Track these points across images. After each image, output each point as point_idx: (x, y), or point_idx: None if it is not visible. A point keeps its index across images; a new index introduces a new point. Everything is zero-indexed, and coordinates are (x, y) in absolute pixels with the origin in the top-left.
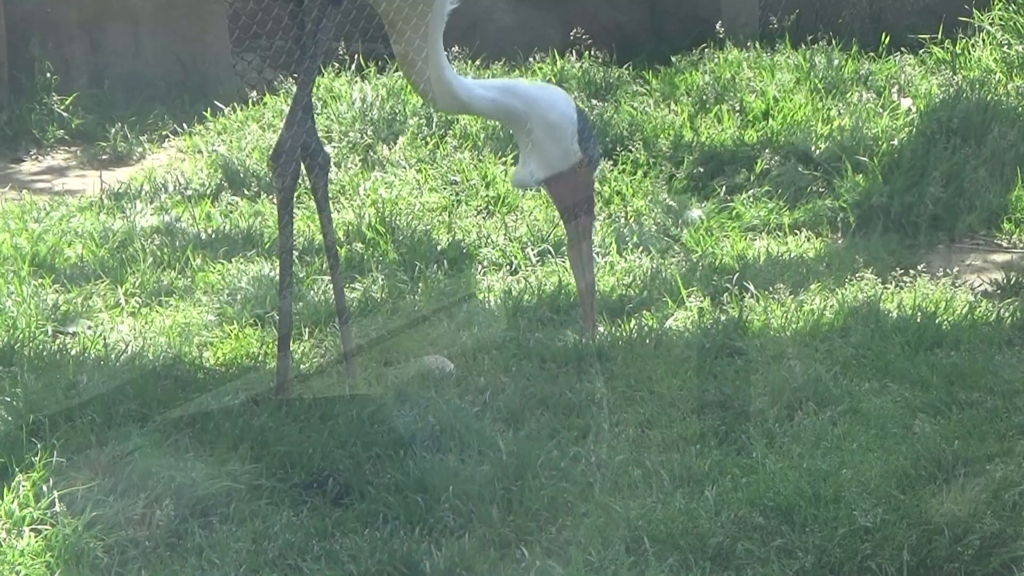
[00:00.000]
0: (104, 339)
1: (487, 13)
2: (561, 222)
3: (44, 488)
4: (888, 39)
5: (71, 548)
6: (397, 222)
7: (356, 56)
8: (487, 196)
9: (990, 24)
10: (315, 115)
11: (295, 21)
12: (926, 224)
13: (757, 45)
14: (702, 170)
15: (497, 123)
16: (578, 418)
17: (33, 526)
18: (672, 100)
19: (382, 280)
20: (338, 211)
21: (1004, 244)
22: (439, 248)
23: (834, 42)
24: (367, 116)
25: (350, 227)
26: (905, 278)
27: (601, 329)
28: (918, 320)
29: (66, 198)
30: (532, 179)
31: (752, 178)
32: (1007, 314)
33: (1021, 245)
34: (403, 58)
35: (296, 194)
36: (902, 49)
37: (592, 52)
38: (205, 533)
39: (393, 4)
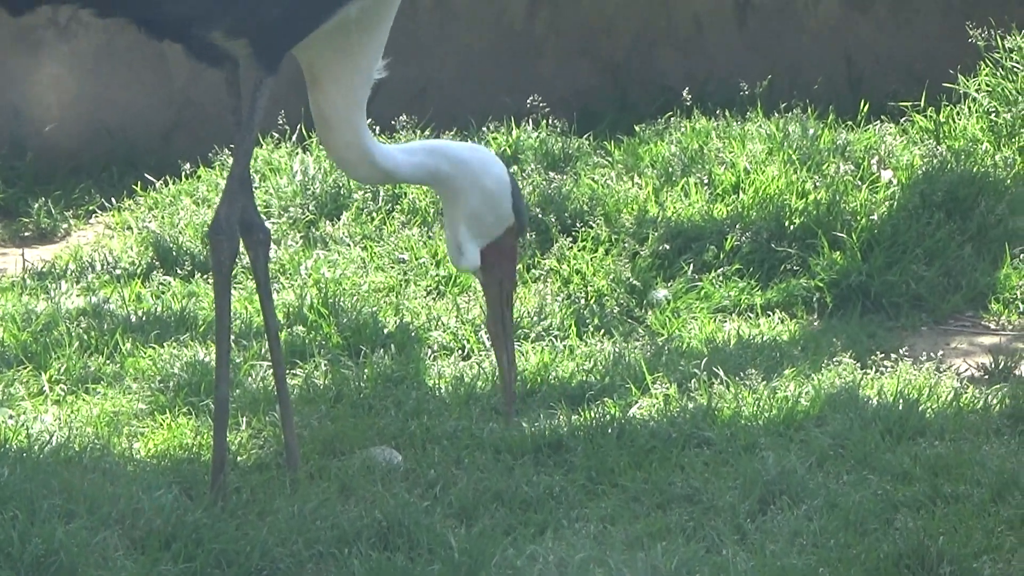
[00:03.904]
0: (27, 429)
1: (436, 78)
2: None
3: None
4: (867, 106)
5: None
6: (341, 303)
7: (298, 125)
8: (437, 276)
9: (976, 90)
10: (253, 188)
11: (230, 89)
12: (908, 305)
13: (727, 113)
14: (668, 247)
15: None
16: (535, 514)
17: None
18: (636, 172)
19: (325, 365)
20: (278, 291)
21: (992, 326)
22: (386, 331)
23: (809, 110)
24: (309, 190)
25: (291, 309)
26: (886, 362)
27: (516, 418)
28: (900, 408)
29: None
30: (473, 256)
31: (722, 256)
32: (995, 401)
33: (1010, 327)
34: (321, 120)
35: (233, 273)
36: (882, 117)
37: (550, 121)
38: None
39: (317, 53)
